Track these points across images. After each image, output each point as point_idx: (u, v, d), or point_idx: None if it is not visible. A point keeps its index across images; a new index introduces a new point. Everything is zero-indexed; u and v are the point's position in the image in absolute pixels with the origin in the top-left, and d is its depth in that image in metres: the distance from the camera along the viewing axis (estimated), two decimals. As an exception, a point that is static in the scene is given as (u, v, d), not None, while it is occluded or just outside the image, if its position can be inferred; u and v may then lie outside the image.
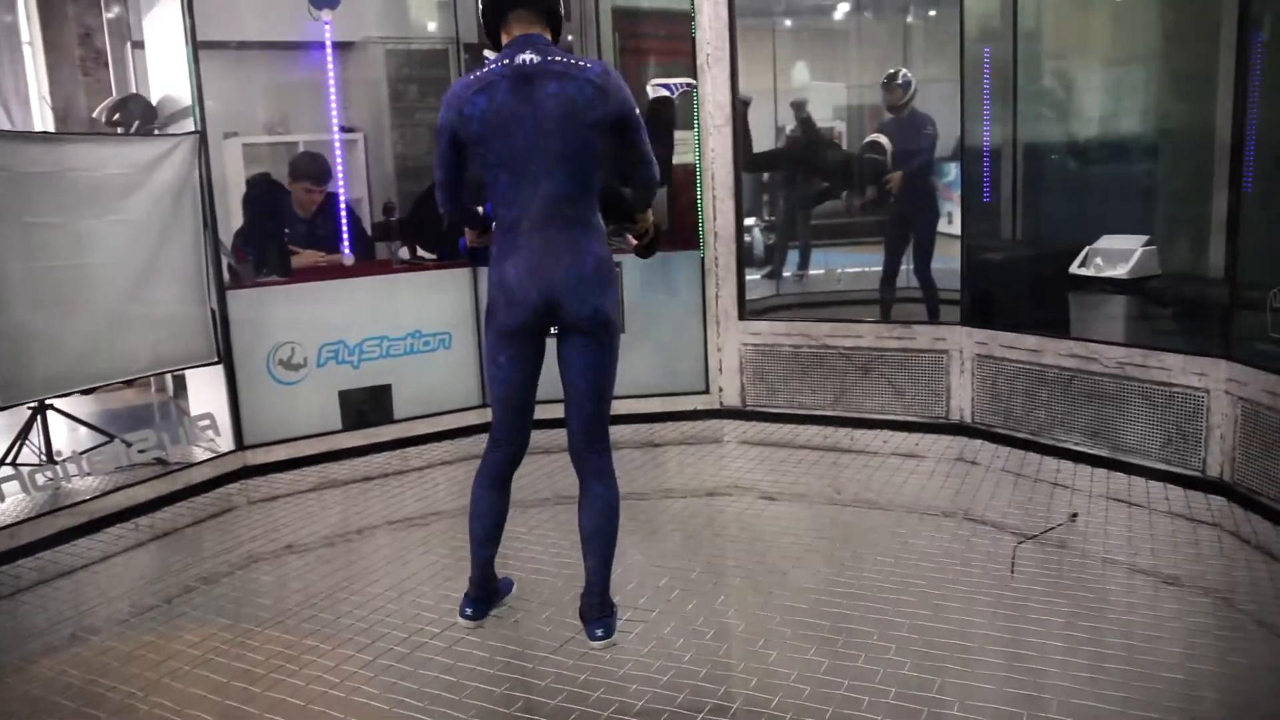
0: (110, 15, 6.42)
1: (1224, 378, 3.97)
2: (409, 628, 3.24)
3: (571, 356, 2.97)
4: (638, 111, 2.90)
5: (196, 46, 4.68)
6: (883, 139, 6.74)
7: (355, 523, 4.28)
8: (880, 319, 6.02)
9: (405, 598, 3.49)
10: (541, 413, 3.23)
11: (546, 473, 4.75)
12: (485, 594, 3.26)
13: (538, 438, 3.33)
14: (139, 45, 6.00)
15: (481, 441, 3.59)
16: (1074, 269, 5.20)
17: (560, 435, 3.19)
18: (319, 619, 3.34)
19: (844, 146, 8.69)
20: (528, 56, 2.83)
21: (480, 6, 2.97)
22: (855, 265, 8.59)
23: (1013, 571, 3.48)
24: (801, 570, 3.58)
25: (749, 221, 7.06)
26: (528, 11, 2.90)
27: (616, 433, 5.08)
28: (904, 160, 6.43)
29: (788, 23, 8.54)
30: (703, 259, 5.38)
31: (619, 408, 5.15)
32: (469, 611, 3.22)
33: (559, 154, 2.82)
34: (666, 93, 3.93)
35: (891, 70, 6.57)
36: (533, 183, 2.85)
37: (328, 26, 5.07)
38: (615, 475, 3.10)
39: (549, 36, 2.95)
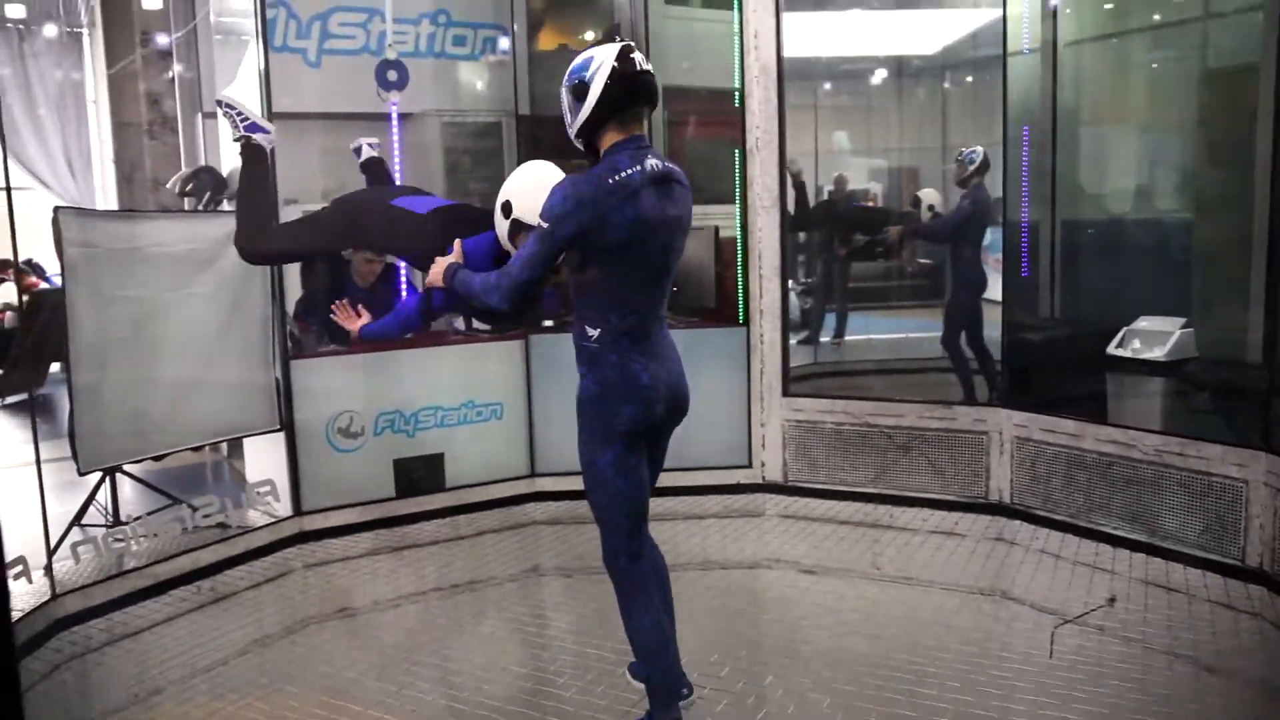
0: (180, 82, 6.71)
1: (1264, 470, 4.05)
2: (457, 695, 3.37)
3: (662, 444, 3.15)
4: None
5: (273, 116, 4.92)
6: (930, 194, 6.86)
7: (407, 589, 4.41)
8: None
9: (451, 664, 3.62)
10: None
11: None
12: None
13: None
14: (210, 116, 6.27)
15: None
16: (1112, 349, 5.30)
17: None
18: (363, 684, 3.49)
19: (879, 204, 8.91)
20: (654, 162, 2.83)
21: (599, 97, 2.78)
22: (893, 330, 8.73)
23: (1051, 655, 3.56)
24: (845, 649, 3.66)
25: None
26: (649, 108, 2.89)
27: (660, 505, 5.25)
28: (967, 235, 6.52)
29: (827, 87, 8.77)
30: (748, 336, 5.52)
31: (664, 479, 5.31)
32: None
33: (674, 261, 2.94)
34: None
35: (963, 148, 6.69)
36: (654, 288, 2.91)
37: (394, 106, 5.29)
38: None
39: None
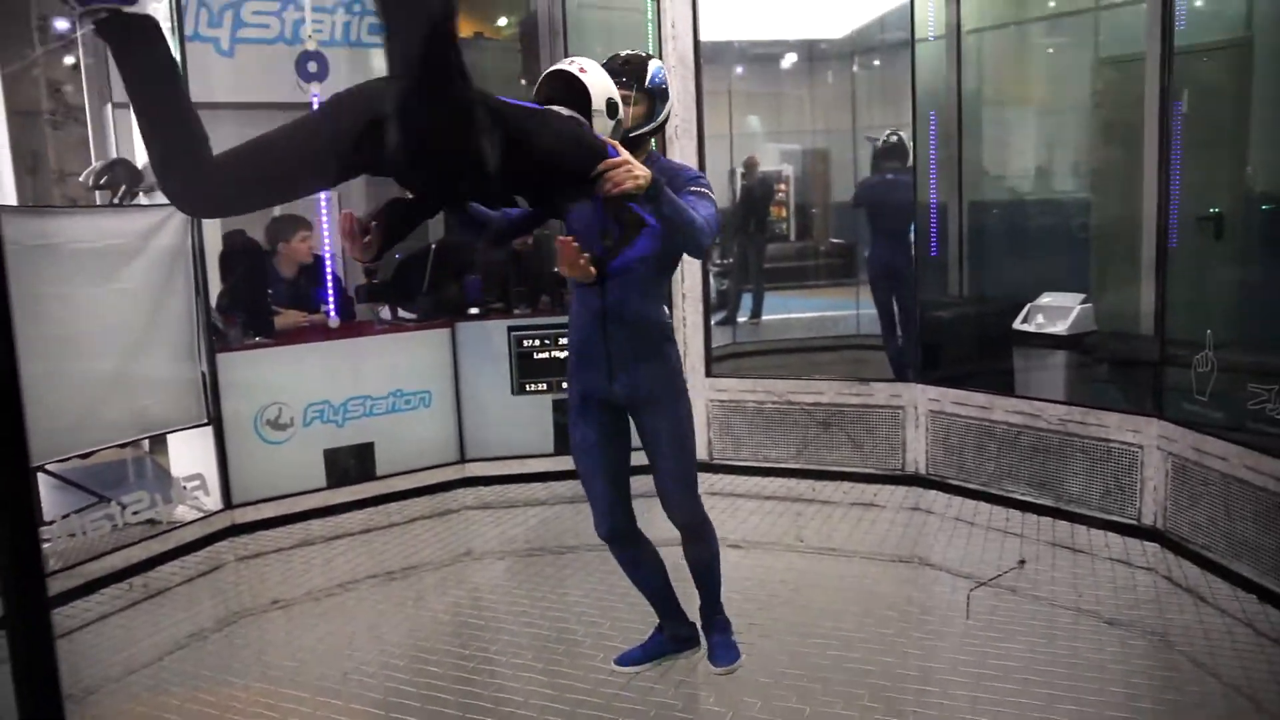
0: (85, 71, 6.55)
1: (1156, 434, 4.32)
2: (400, 679, 3.44)
3: None
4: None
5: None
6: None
7: (340, 577, 4.44)
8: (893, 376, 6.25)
9: (391, 651, 3.68)
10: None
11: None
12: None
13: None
14: (121, 106, 6.13)
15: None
16: (1017, 325, 5.55)
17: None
18: (306, 672, 3.54)
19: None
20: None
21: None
22: (810, 310, 8.97)
23: (968, 616, 3.77)
24: (774, 620, 3.82)
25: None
26: None
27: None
28: (889, 217, 6.71)
29: (739, 70, 8.93)
30: (671, 318, 5.63)
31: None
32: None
33: None
34: None
35: (889, 130, 6.85)
36: None
37: (315, 98, 5.27)
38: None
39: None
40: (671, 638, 3.50)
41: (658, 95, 3.10)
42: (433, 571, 4.49)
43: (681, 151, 5.41)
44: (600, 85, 2.85)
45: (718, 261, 8.47)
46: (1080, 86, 6.64)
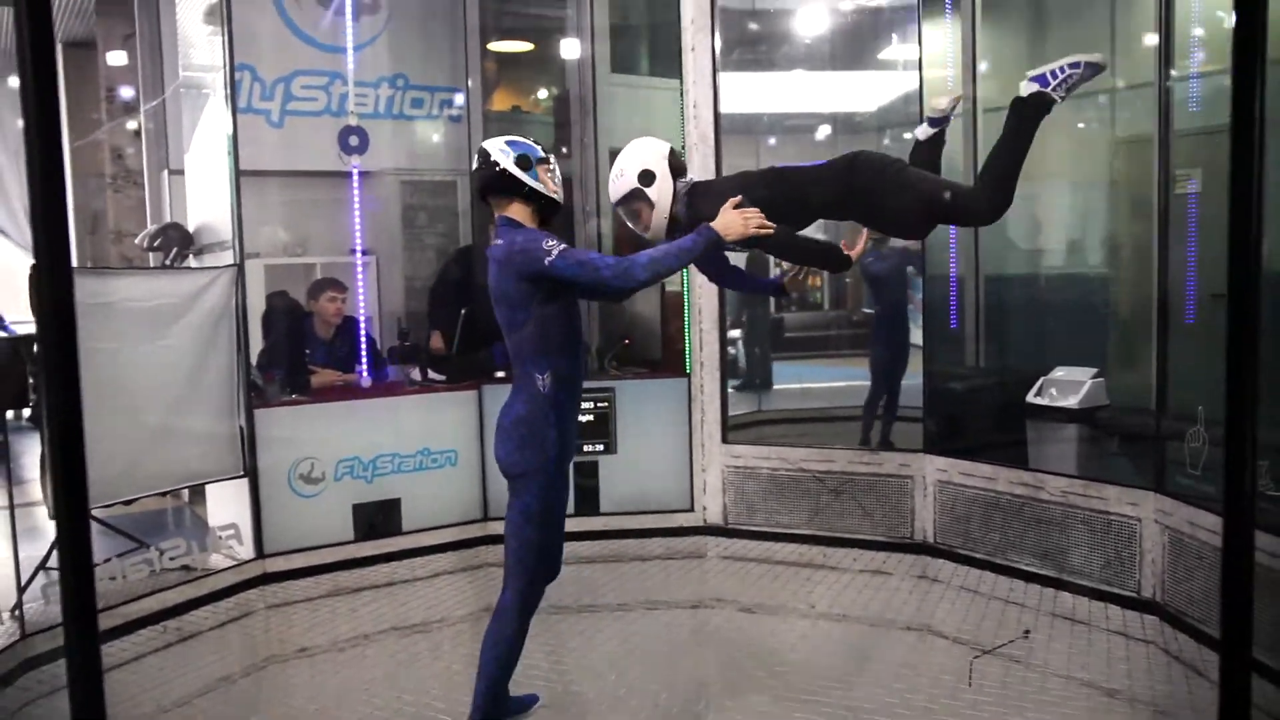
0: (146, 137, 6.95)
1: (1153, 508, 4.43)
2: None
3: None
4: (549, 259, 3.08)
5: (239, 180, 5.20)
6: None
7: (365, 628, 4.61)
8: (860, 440, 6.47)
9: (406, 706, 3.80)
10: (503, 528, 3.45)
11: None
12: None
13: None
14: (176, 172, 6.51)
15: (483, 554, 3.99)
16: (1030, 398, 5.68)
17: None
18: (322, 717, 3.71)
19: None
20: (495, 239, 3.28)
21: None
22: (840, 379, 9.07)
23: (970, 683, 3.86)
24: (783, 684, 3.91)
25: (732, 334, 7.53)
26: (492, 196, 3.30)
27: (606, 547, 5.51)
28: (886, 286, 6.93)
29: (771, 141, 9.18)
30: (689, 385, 5.84)
31: (612, 523, 5.60)
32: None
33: (501, 326, 3.29)
34: (1039, 88, 3.35)
35: None
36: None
37: (355, 169, 5.59)
38: (509, 618, 3.35)
39: (515, 215, 3.25)
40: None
41: None
42: (452, 626, 4.63)
43: (702, 225, 5.63)
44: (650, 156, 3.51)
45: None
46: (1098, 165, 6.81)
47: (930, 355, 5.75)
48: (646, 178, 3.46)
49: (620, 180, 3.51)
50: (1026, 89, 3.39)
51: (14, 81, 9.23)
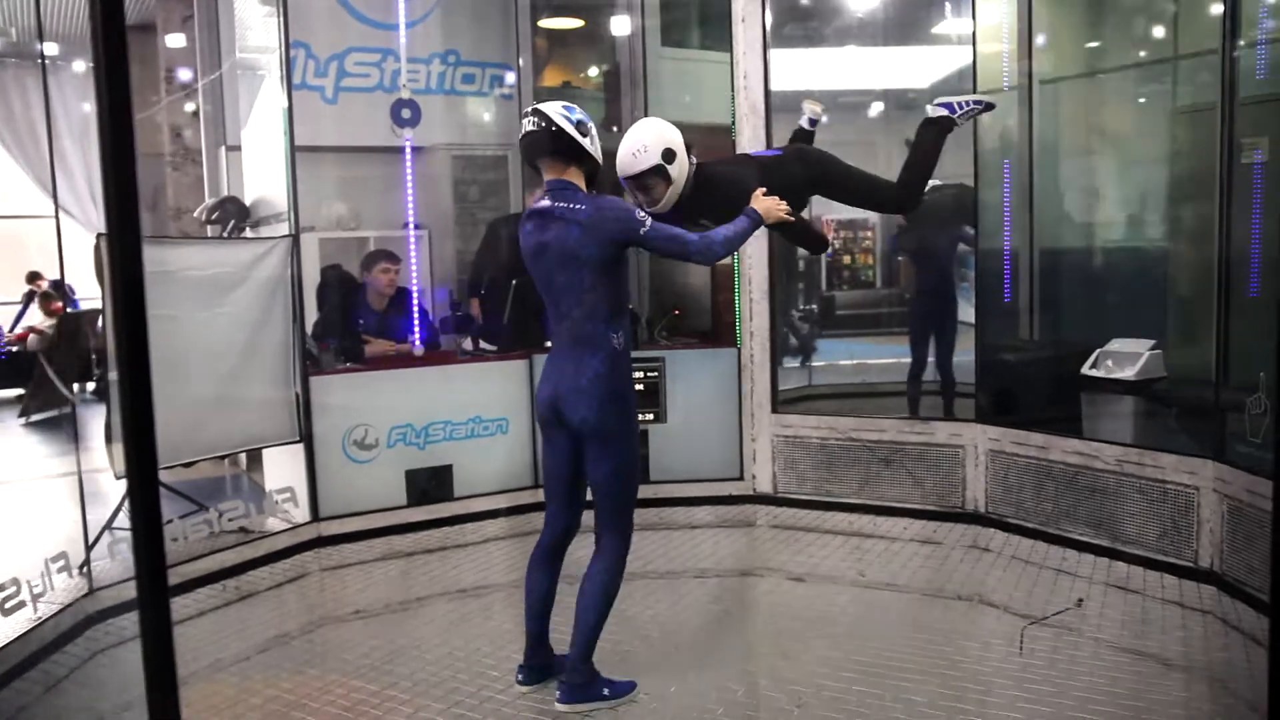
0: (204, 115, 7.10)
1: (1212, 476, 4.35)
2: (464, 689, 3.62)
3: (583, 451, 3.46)
4: (644, 230, 3.28)
5: (295, 154, 5.29)
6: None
7: (417, 591, 4.70)
8: (908, 414, 6.42)
9: (458, 661, 3.87)
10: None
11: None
12: (538, 663, 3.62)
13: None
14: (234, 149, 6.64)
15: (534, 520, 4.04)
16: (1085, 370, 5.60)
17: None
18: (378, 670, 3.79)
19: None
20: (544, 203, 3.37)
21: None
22: (893, 356, 9.02)
23: (1021, 651, 3.82)
24: (834, 652, 3.87)
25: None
26: (548, 160, 3.38)
27: (656, 515, 5.53)
28: (929, 258, 6.88)
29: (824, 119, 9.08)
30: (739, 355, 5.85)
31: (661, 491, 5.62)
32: (520, 677, 3.62)
33: (563, 286, 3.36)
34: (947, 113, 4.14)
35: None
36: (554, 307, 3.43)
37: (409, 141, 5.66)
38: (622, 555, 3.49)
39: (574, 177, 3.38)
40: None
41: None
42: (502, 590, 4.70)
43: (752, 195, 5.63)
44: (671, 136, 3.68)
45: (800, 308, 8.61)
46: (1157, 136, 6.68)
47: (982, 329, 5.70)
48: (669, 155, 3.62)
49: (643, 155, 3.61)
50: (934, 112, 4.13)
51: (78, 67, 9.47)
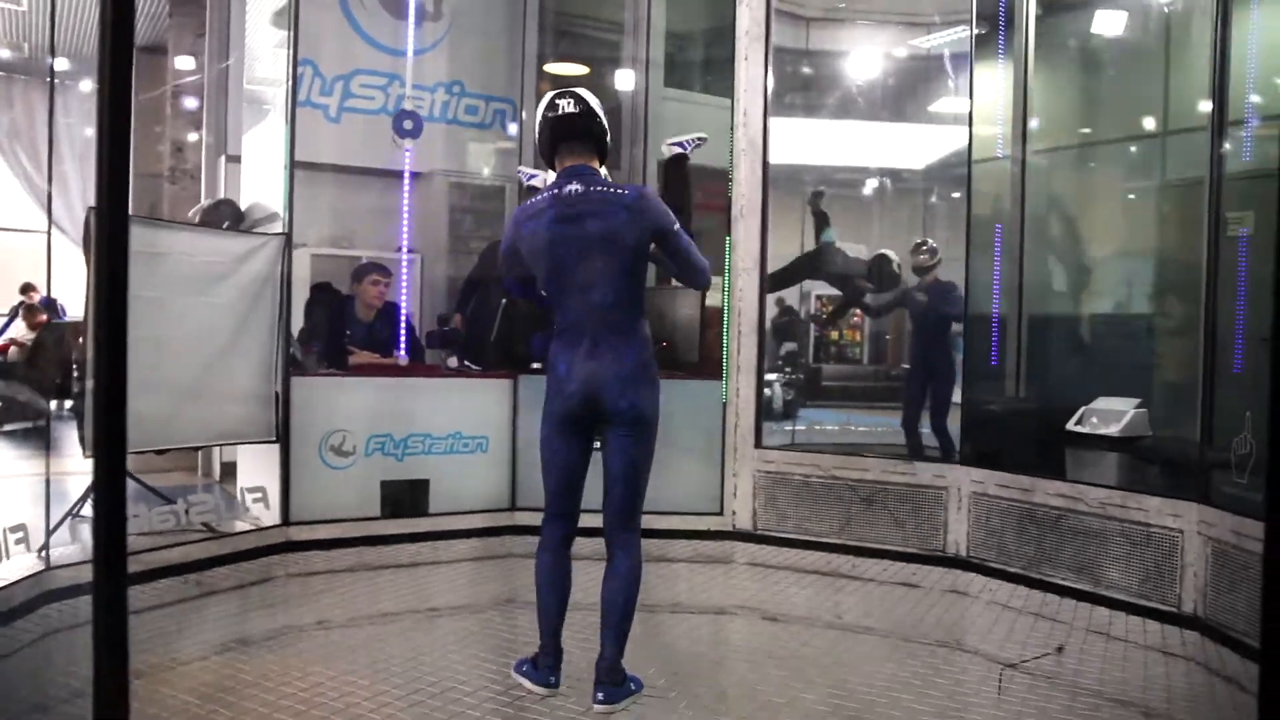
0: (207, 132, 7.15)
1: (1196, 519, 4.32)
2: (429, 704, 3.40)
3: (612, 442, 3.33)
4: (675, 226, 3.27)
5: (294, 164, 5.32)
6: (890, 253, 7.29)
7: (385, 607, 4.50)
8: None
9: (423, 680, 3.63)
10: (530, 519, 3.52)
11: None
12: (558, 659, 3.43)
13: (532, 544, 3.60)
14: (233, 159, 6.68)
15: (509, 543, 3.86)
16: (1070, 426, 5.58)
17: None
18: (334, 691, 3.51)
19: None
20: (574, 187, 3.25)
21: (537, 136, 3.38)
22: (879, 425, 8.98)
23: (999, 692, 3.70)
24: (805, 696, 3.64)
25: (769, 376, 7.47)
26: (578, 144, 3.33)
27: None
28: (927, 322, 6.92)
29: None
30: (725, 389, 5.82)
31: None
32: (553, 680, 3.37)
33: (599, 271, 3.24)
34: (680, 149, 4.24)
35: (919, 239, 7.15)
36: (585, 295, 3.26)
37: (409, 154, 5.69)
38: (641, 551, 3.40)
39: (596, 165, 3.38)
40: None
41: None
42: (475, 614, 4.48)
43: (746, 229, 5.68)
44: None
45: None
46: (1146, 208, 6.79)
47: (969, 388, 5.69)
48: None
49: None
50: (670, 151, 4.27)
51: (85, 86, 9.55)
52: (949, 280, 6.99)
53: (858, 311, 10.55)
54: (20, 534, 3.95)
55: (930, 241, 7.03)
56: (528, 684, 3.39)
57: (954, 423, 6.25)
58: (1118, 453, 5.32)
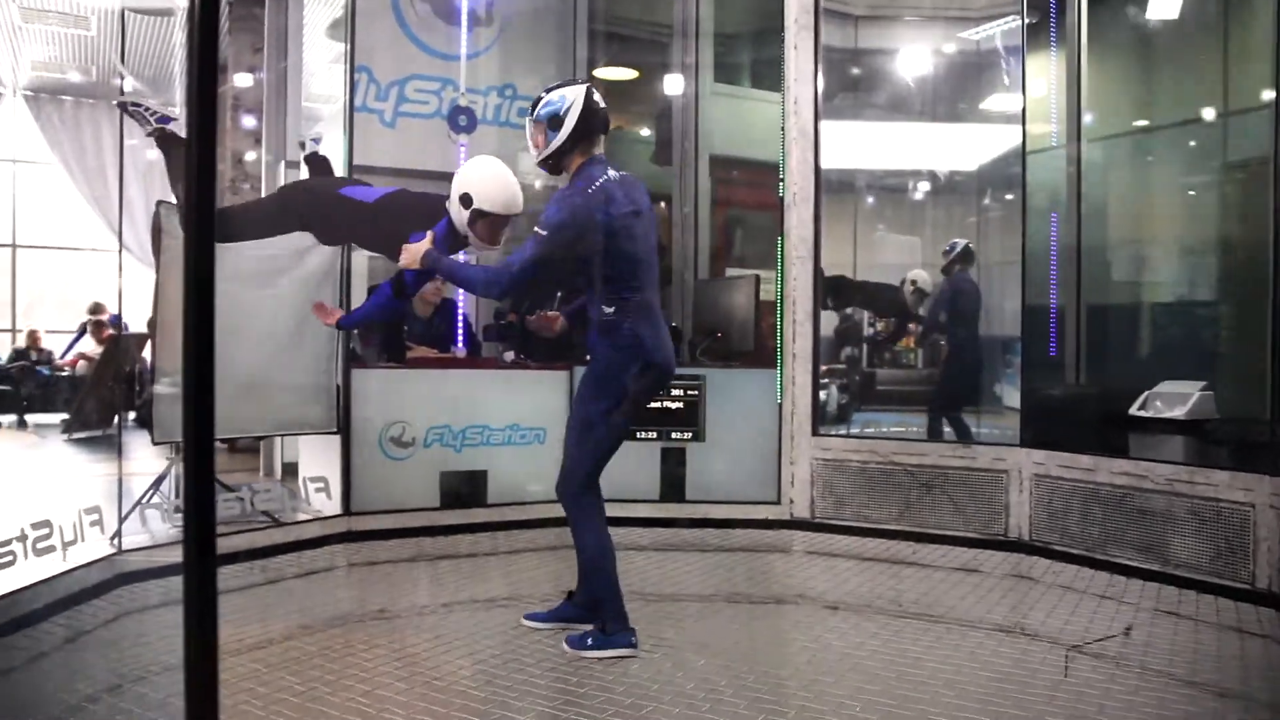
0: (266, 137, 7.32)
1: (1269, 493, 4.21)
2: (473, 695, 3.35)
3: (643, 408, 3.91)
4: None
5: (352, 168, 5.44)
6: (918, 274, 7.40)
7: (444, 597, 4.50)
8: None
9: (479, 673, 3.55)
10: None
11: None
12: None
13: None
14: (292, 165, 6.81)
15: (567, 535, 3.81)
16: (1133, 411, 5.49)
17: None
18: (400, 679, 3.48)
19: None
20: (614, 172, 3.61)
21: (576, 121, 3.56)
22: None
23: (1065, 675, 3.59)
24: (867, 685, 3.53)
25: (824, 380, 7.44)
26: (604, 137, 3.71)
27: (691, 535, 5.41)
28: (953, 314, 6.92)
29: (869, 200, 9.16)
30: (780, 377, 5.81)
31: (696, 511, 5.54)
32: (633, 640, 3.68)
33: (652, 250, 3.69)
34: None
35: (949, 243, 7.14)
36: (651, 269, 3.64)
37: (463, 149, 5.77)
38: None
39: None
40: (579, 605, 3.92)
41: (548, 124, 3.60)
42: (531, 606, 4.41)
43: (798, 217, 5.68)
44: (459, 181, 4.05)
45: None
46: (1207, 191, 6.67)
47: (1028, 377, 5.59)
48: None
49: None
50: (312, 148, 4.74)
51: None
52: (963, 275, 6.96)
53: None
54: (95, 516, 4.06)
55: (958, 242, 7.02)
56: (617, 651, 3.61)
57: (1010, 411, 6.17)
58: (1183, 436, 5.24)
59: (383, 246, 4.36)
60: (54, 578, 3.79)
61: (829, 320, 7.31)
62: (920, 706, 3.34)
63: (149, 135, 4.43)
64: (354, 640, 3.95)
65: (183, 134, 4.39)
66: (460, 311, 5.83)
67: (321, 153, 5.32)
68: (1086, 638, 4.00)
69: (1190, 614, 4.25)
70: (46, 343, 10.54)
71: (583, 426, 3.69)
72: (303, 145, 5.34)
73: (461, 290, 5.94)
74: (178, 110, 4.55)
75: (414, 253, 3.80)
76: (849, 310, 8.35)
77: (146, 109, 4.44)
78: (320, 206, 4.51)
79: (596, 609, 3.75)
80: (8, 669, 3.42)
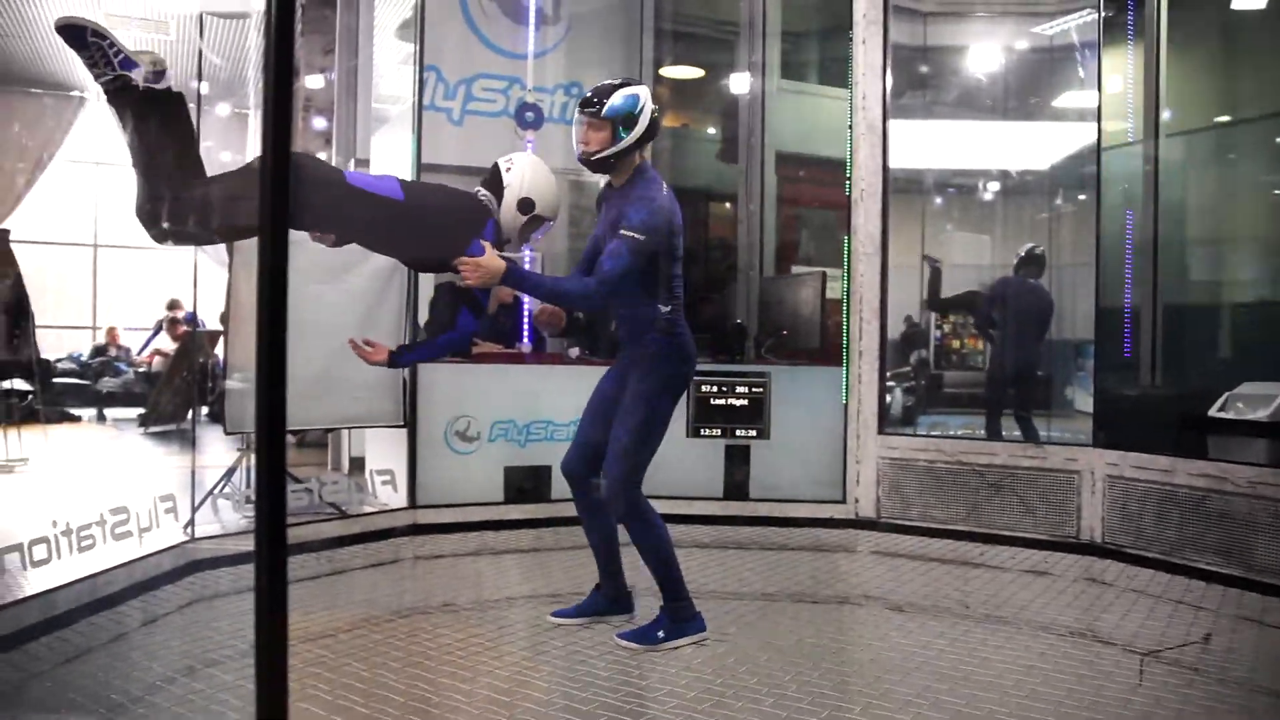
0: (337, 136, 7.46)
1: (1356, 497, 4.06)
2: (537, 686, 3.35)
3: None
4: None
5: (420, 166, 5.52)
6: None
7: (509, 591, 4.53)
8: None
9: (541, 668, 3.54)
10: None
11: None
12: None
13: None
14: (362, 163, 6.92)
15: (622, 532, 3.84)
16: (1213, 412, 5.34)
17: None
18: (467, 672, 3.47)
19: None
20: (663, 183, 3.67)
21: (645, 129, 3.54)
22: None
23: (1140, 682, 3.49)
24: (933, 689, 3.44)
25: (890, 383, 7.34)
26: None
27: (755, 534, 5.41)
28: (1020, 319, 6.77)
29: (938, 200, 9.02)
30: (846, 375, 5.75)
31: (760, 510, 5.50)
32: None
33: None
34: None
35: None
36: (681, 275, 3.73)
37: (530, 145, 5.81)
38: None
39: None
40: (605, 597, 3.96)
41: (620, 122, 3.49)
42: None
43: (866, 213, 5.62)
44: (518, 183, 3.69)
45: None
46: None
47: (1101, 379, 5.49)
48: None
49: None
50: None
51: (222, 110, 10.05)
52: (1019, 278, 6.79)
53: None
54: (170, 503, 4.15)
55: (1036, 247, 6.88)
56: (694, 637, 3.72)
57: (1081, 415, 6.05)
58: (1266, 438, 5.08)
59: (420, 254, 3.83)
60: (131, 562, 3.88)
61: (895, 323, 7.19)
62: (989, 706, 3.26)
63: (101, 82, 3.04)
64: (419, 630, 3.98)
65: (161, 92, 3.13)
66: (525, 307, 5.86)
67: None
68: (1163, 644, 3.88)
69: (1275, 622, 4.11)
70: (124, 340, 10.86)
71: (648, 424, 3.67)
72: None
73: (528, 308, 6.00)
74: (167, 66, 3.12)
75: (490, 269, 3.48)
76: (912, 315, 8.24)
77: (110, 44, 3.03)
78: (327, 195, 3.41)
79: (622, 600, 3.98)
80: (89, 648, 3.51)
